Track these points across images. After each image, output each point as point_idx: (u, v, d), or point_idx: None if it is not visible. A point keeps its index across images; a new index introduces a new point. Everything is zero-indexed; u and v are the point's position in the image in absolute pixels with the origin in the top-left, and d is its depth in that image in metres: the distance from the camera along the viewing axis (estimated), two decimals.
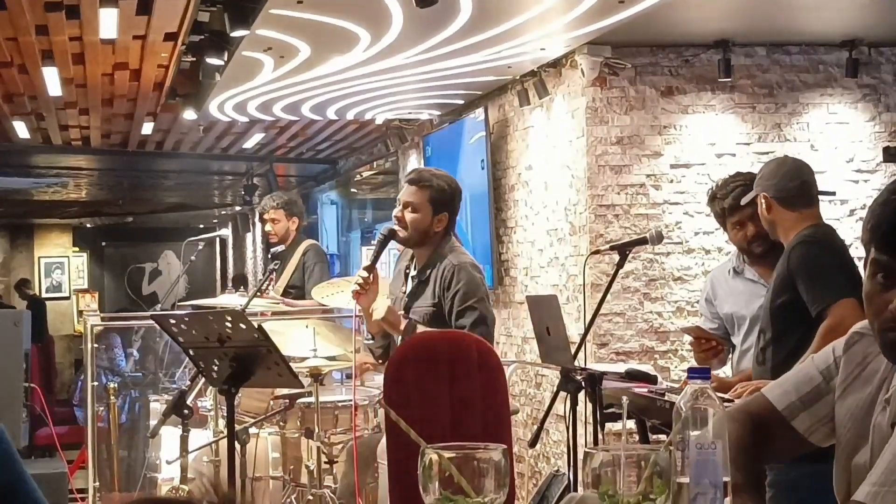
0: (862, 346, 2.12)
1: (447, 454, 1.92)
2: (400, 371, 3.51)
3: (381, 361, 4.79)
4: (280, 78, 7.96)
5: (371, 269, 4.47)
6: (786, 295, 4.11)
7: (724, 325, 4.73)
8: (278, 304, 7.04)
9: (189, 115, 9.41)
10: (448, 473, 1.91)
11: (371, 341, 4.72)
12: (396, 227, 4.57)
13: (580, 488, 2.10)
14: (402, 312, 4.56)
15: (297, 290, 7.41)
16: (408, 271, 4.67)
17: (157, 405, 7.28)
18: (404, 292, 4.64)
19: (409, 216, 4.56)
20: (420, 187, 4.58)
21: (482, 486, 1.91)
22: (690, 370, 1.82)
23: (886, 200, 1.93)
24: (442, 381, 3.54)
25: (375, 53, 7.14)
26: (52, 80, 8.39)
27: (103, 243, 21.26)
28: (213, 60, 7.15)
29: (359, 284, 4.44)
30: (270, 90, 8.48)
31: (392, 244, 4.72)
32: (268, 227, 7.48)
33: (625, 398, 2.29)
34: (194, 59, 7.54)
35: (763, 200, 4.24)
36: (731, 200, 4.54)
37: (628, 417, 4.47)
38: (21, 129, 10.86)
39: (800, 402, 2.18)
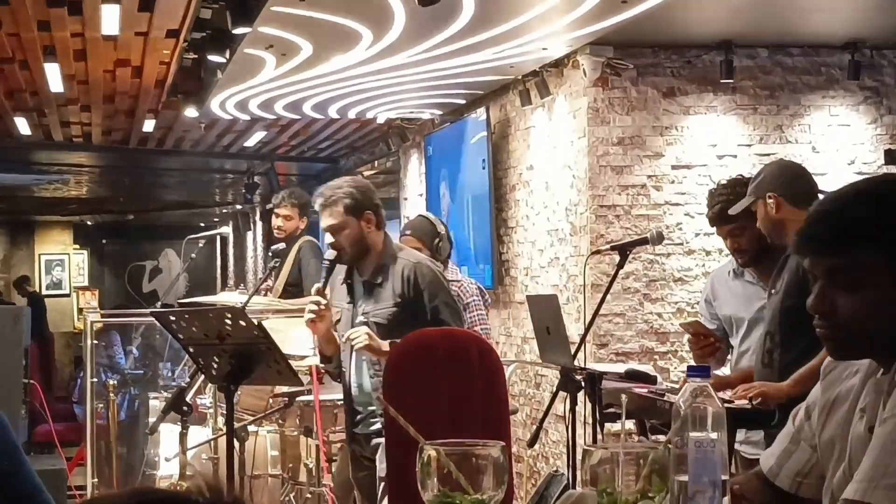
0: (837, 371, 2.17)
1: (446, 451, 1.92)
2: (399, 369, 3.50)
3: (338, 380, 4.83)
4: (282, 76, 7.96)
5: (322, 294, 4.47)
6: (795, 298, 4.09)
7: (723, 326, 4.74)
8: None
9: (190, 112, 9.40)
10: (447, 470, 1.91)
11: (326, 364, 4.75)
12: (337, 252, 4.55)
13: (578, 487, 2.10)
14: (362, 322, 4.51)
15: (294, 289, 7.37)
16: (349, 282, 4.63)
17: (157, 402, 7.29)
18: (349, 303, 4.61)
19: (340, 239, 4.51)
20: (331, 208, 4.51)
21: (481, 483, 1.91)
22: (690, 368, 1.82)
23: (811, 211, 2.04)
24: (441, 378, 3.53)
25: (377, 52, 7.14)
26: (53, 77, 8.39)
27: (104, 241, 21.25)
28: (214, 58, 7.15)
29: (314, 312, 4.43)
30: (272, 88, 8.48)
31: None
32: (278, 222, 7.31)
33: (623, 396, 2.29)
34: (196, 56, 7.53)
35: (772, 200, 4.23)
36: (710, 214, 4.59)
37: (628, 417, 4.47)
38: (22, 126, 10.86)
39: (777, 461, 2.23)
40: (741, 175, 4.85)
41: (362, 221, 4.51)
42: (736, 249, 4.55)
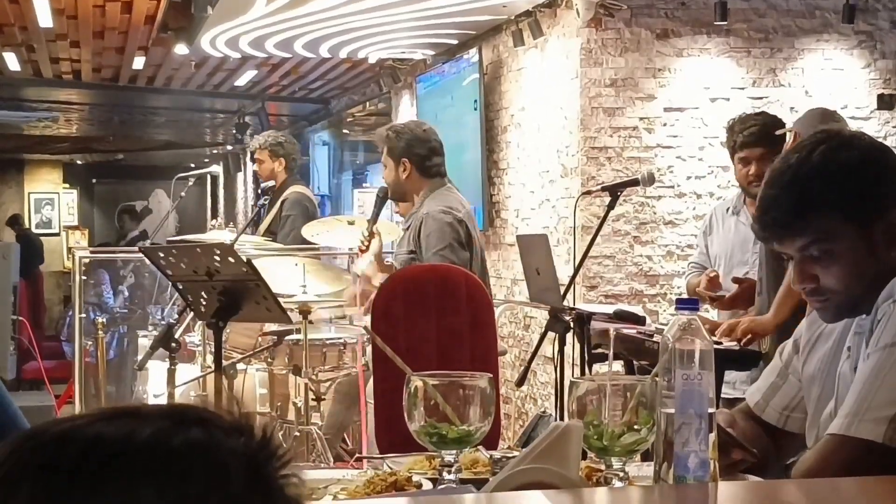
0: None
1: (432, 381, 1.92)
2: (388, 305, 3.50)
3: None
4: (273, 13, 7.88)
5: (371, 224, 4.74)
6: None
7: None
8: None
9: (181, 49, 9.32)
10: (433, 401, 1.90)
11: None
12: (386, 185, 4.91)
13: (566, 419, 2.10)
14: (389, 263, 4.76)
15: (274, 236, 7.37)
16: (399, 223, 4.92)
17: (146, 341, 7.28)
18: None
19: (384, 174, 4.87)
20: (382, 144, 4.83)
21: (467, 414, 1.91)
22: (679, 301, 1.81)
23: (760, 196, 2.07)
24: (430, 314, 3.54)
25: None
26: (42, 11, 8.30)
27: (94, 180, 21.15)
28: None
29: (361, 241, 4.72)
30: (263, 25, 8.39)
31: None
32: (255, 167, 7.61)
33: (612, 329, 2.29)
34: None
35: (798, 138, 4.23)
36: (742, 137, 4.63)
37: (616, 358, 4.48)
38: (11, 61, 10.77)
39: (763, 396, 2.25)
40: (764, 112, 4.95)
41: (399, 167, 4.75)
42: (758, 174, 4.51)
